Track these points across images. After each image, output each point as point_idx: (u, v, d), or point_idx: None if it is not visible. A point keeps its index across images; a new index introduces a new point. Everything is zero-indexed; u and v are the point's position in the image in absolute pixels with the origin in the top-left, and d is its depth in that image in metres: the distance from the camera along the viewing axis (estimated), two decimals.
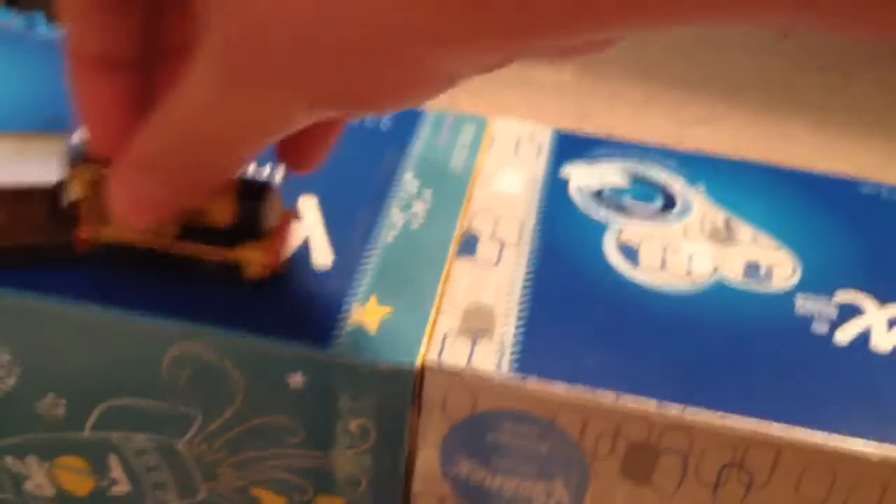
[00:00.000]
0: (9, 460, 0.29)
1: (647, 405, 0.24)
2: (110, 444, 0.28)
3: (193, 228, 0.26)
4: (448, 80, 0.20)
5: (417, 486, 0.27)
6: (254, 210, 0.26)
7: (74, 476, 0.29)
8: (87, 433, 0.28)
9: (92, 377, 0.27)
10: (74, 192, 0.26)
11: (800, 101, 0.75)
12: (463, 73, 0.20)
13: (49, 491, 0.29)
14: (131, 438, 0.28)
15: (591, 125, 0.69)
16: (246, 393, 0.26)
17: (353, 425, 0.26)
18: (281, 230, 0.27)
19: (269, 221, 0.27)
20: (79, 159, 0.26)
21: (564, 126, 0.36)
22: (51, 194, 0.27)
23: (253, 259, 0.26)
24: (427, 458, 0.27)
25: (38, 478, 0.29)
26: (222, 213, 0.26)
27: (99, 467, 0.28)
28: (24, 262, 0.26)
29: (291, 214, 0.28)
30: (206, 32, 0.21)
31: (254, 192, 0.26)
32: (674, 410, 0.24)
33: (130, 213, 0.24)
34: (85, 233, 0.26)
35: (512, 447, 0.26)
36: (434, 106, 0.34)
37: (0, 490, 0.30)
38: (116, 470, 0.28)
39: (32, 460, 0.29)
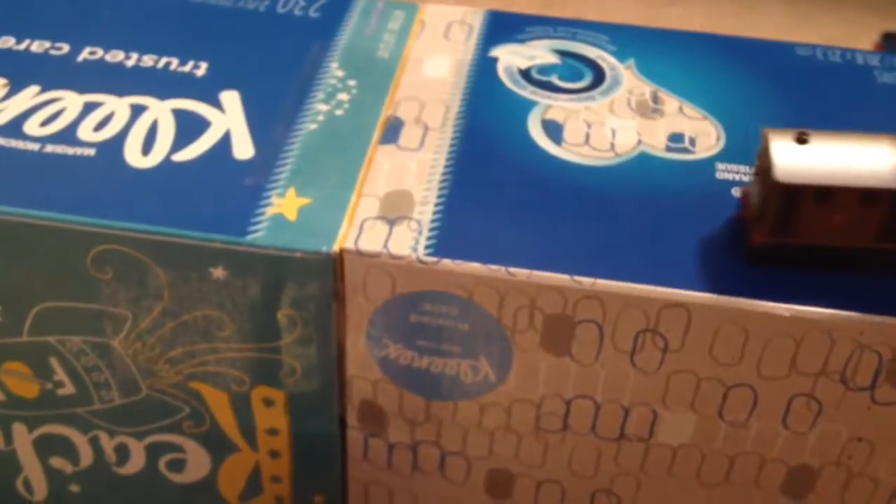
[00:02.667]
0: None
1: (560, 278, 0.25)
2: (49, 347, 0.28)
3: None
4: None
5: (350, 370, 0.28)
6: None
7: (20, 381, 0.30)
8: (25, 338, 0.28)
9: (22, 282, 0.27)
10: None
11: None
12: None
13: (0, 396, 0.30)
14: (68, 340, 0.28)
15: (556, 11, 0.68)
16: (171, 289, 0.27)
17: (280, 315, 0.27)
18: None
19: None
20: None
21: (529, 12, 0.35)
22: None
23: None
24: (355, 343, 0.27)
25: None
26: None
27: (42, 371, 0.29)
28: (861, 267, 0.25)
29: None
30: None
31: None
32: (585, 281, 0.25)
33: None
34: None
35: (434, 327, 0.26)
36: None
37: None
38: (59, 372, 0.29)
39: None
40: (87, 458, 0.31)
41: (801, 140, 0.24)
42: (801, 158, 0.24)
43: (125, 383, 0.29)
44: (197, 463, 0.31)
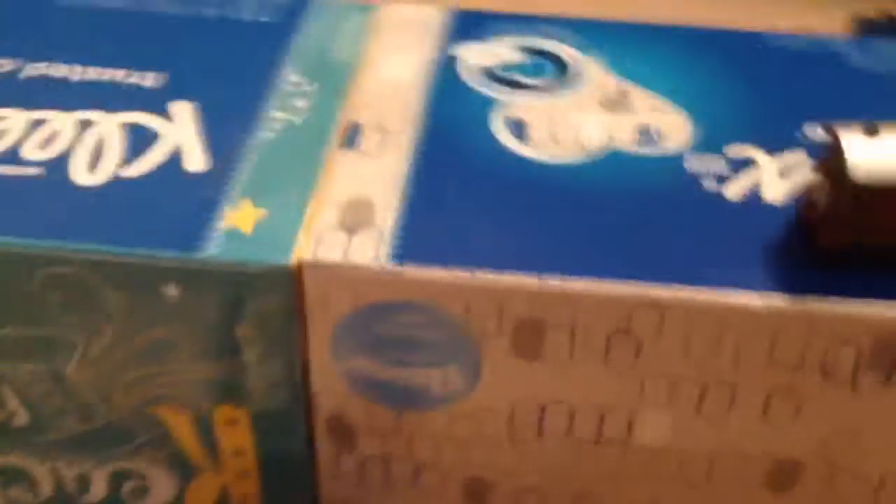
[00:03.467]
0: None
1: (527, 280, 0.24)
2: None
3: None
4: None
5: (316, 386, 0.27)
6: None
7: None
8: None
9: None
10: None
11: None
12: None
13: None
14: (19, 368, 0.27)
15: (522, 6, 0.67)
16: (122, 310, 0.25)
17: (239, 332, 0.26)
18: None
19: None
20: None
21: (504, 7, 0.34)
22: None
23: None
24: (320, 358, 0.26)
25: None
26: None
27: None
28: None
29: None
30: None
31: None
32: (553, 283, 0.24)
33: None
34: None
35: (400, 337, 0.25)
36: None
37: None
38: (12, 401, 0.28)
39: None
40: (46, 489, 0.30)
41: (871, 132, 0.23)
42: (874, 153, 0.22)
43: (81, 410, 0.28)
44: (161, 488, 0.30)
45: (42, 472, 0.30)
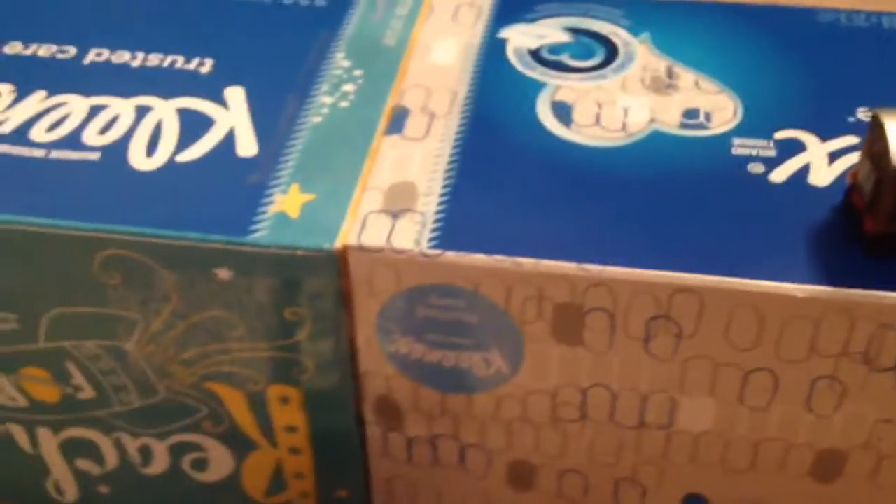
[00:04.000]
0: None
1: (566, 266, 0.24)
2: (65, 352, 0.29)
3: None
4: None
5: (363, 366, 0.27)
6: None
7: (40, 386, 0.30)
8: (41, 344, 0.29)
9: (33, 289, 0.27)
10: None
11: None
12: None
13: (22, 401, 0.30)
14: (82, 345, 0.28)
15: None
16: (178, 291, 0.26)
17: (288, 313, 0.27)
18: None
19: None
20: None
21: None
22: None
23: None
24: (366, 339, 0.27)
25: (8, 390, 0.30)
26: None
27: (60, 375, 0.29)
28: None
29: None
30: None
31: None
32: (592, 269, 0.24)
33: None
34: None
35: (443, 320, 0.26)
36: None
37: None
38: (77, 376, 0.29)
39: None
40: (112, 459, 0.32)
41: None
42: None
43: (142, 385, 0.29)
44: (219, 461, 0.31)
45: (107, 444, 0.31)
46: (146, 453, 0.31)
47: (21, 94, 0.30)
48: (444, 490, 0.30)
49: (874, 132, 0.23)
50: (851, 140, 0.27)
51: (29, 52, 0.31)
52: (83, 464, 0.32)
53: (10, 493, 0.33)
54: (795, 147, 0.27)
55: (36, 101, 0.29)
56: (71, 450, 0.31)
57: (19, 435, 0.31)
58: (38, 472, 0.32)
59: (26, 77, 0.30)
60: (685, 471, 0.27)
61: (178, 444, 0.31)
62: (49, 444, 0.31)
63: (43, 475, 0.33)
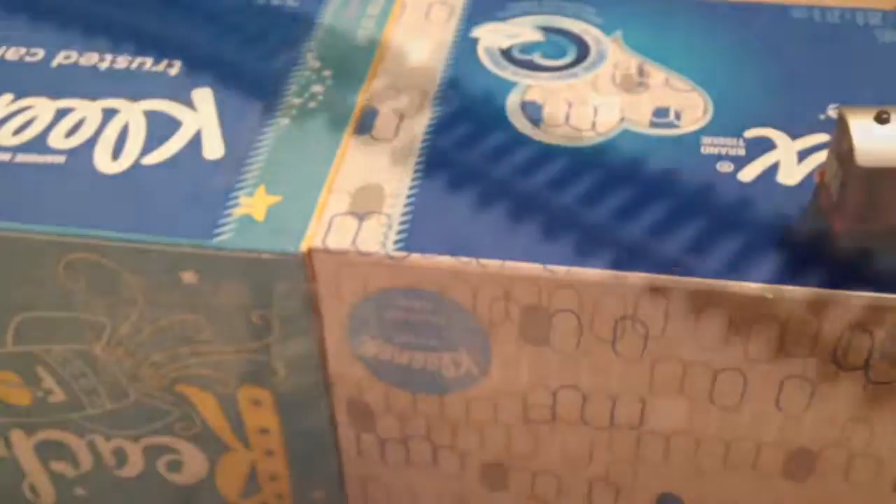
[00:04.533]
0: None
1: (532, 268, 0.24)
2: (34, 356, 0.28)
3: None
4: None
5: (333, 368, 0.27)
6: None
7: (12, 389, 0.30)
8: (9, 348, 0.28)
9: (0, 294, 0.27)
10: None
11: None
12: None
13: None
14: (51, 349, 0.28)
15: None
16: (145, 295, 0.26)
17: (256, 317, 0.26)
18: None
19: None
20: None
21: None
22: None
23: None
24: (336, 341, 0.27)
25: None
26: None
27: (30, 379, 0.29)
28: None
29: None
30: None
31: None
32: (557, 271, 0.24)
33: None
34: None
35: (410, 322, 0.25)
36: None
37: None
38: (47, 380, 0.29)
39: None
40: (86, 462, 0.31)
41: (882, 119, 0.22)
42: (883, 139, 0.22)
43: (113, 389, 0.29)
44: (193, 463, 0.31)
45: (81, 447, 0.31)
46: (121, 455, 0.31)
47: None
48: (419, 490, 0.30)
49: (840, 131, 0.23)
50: (822, 138, 0.27)
51: None
52: (58, 466, 0.32)
53: None
54: (765, 145, 0.27)
55: (3, 104, 0.29)
56: (45, 452, 0.31)
57: None
58: (14, 475, 0.32)
59: None
60: (658, 470, 0.27)
61: (151, 446, 0.31)
62: (23, 446, 0.31)
63: (19, 478, 0.32)
